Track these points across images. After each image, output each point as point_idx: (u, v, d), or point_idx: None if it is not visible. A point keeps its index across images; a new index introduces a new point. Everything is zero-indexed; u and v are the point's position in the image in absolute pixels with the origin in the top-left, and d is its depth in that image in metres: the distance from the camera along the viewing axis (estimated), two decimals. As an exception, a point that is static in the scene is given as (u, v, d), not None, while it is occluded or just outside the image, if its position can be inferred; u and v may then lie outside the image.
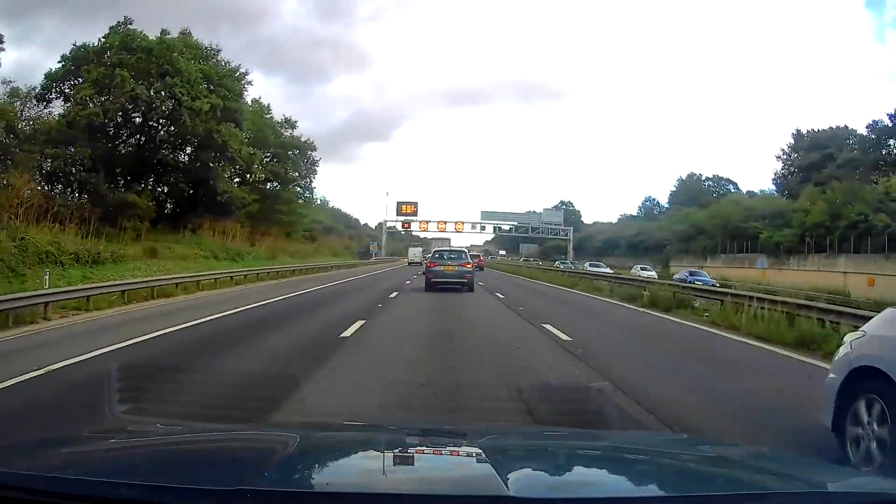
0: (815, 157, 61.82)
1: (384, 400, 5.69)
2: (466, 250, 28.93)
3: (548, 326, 11.28)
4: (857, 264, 36.60)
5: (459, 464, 2.07)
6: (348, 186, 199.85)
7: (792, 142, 68.25)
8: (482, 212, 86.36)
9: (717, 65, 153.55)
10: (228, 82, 35.11)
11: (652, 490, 1.85)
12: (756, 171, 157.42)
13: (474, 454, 2.10)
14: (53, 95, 32.55)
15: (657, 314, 15.21)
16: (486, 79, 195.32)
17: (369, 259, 71.09)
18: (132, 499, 1.51)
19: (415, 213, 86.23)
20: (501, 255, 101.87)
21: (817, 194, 47.93)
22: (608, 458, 2.25)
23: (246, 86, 37.46)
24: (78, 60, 31.65)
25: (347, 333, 10.08)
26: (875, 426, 3.64)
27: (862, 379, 3.84)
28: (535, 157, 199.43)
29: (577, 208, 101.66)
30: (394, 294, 19.09)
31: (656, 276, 35.87)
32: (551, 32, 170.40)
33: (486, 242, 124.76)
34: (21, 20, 76.61)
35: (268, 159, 46.62)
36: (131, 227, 28.86)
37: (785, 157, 69.01)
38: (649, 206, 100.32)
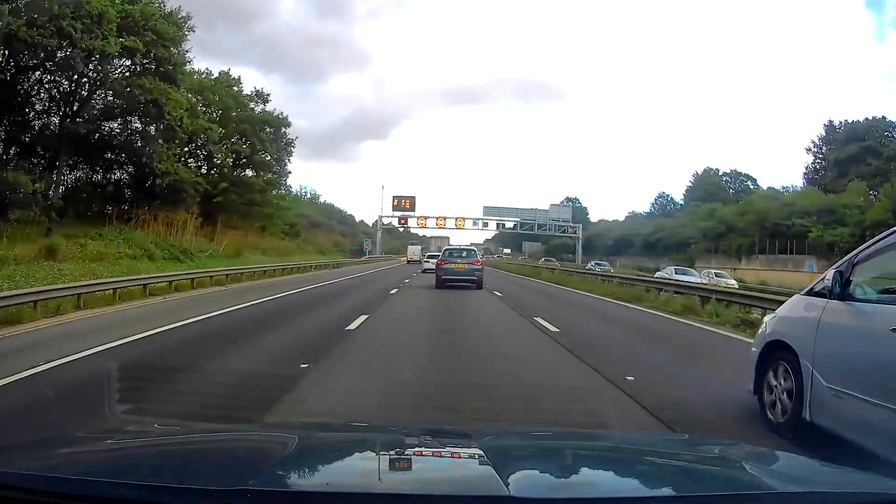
0: (854, 150, 58.82)
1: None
2: (476, 249, 29.35)
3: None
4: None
5: (459, 464, 2.07)
6: (347, 185, 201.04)
7: (823, 133, 65.32)
8: (484, 207, 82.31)
9: (728, 58, 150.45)
10: (159, 26, 26.92)
11: (652, 490, 1.83)
12: (775, 167, 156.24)
13: (474, 454, 2.11)
14: None
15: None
16: (487, 76, 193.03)
17: (362, 257, 67.29)
18: (132, 499, 1.51)
19: (412, 208, 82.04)
20: (506, 254, 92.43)
21: (864, 189, 45.41)
22: (608, 458, 2.26)
23: (188, 34, 29.80)
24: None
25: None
26: (782, 383, 4.89)
27: (773, 350, 5.12)
28: (538, 155, 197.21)
29: (583, 205, 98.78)
30: (358, 321, 12.08)
31: (735, 284, 32.15)
32: (553, 26, 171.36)
33: (487, 241, 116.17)
34: None
35: (235, 138, 41.09)
36: (24, 219, 23.43)
37: (816, 149, 65.78)
38: (663, 203, 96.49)
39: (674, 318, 14.25)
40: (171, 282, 17.96)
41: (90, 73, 24.37)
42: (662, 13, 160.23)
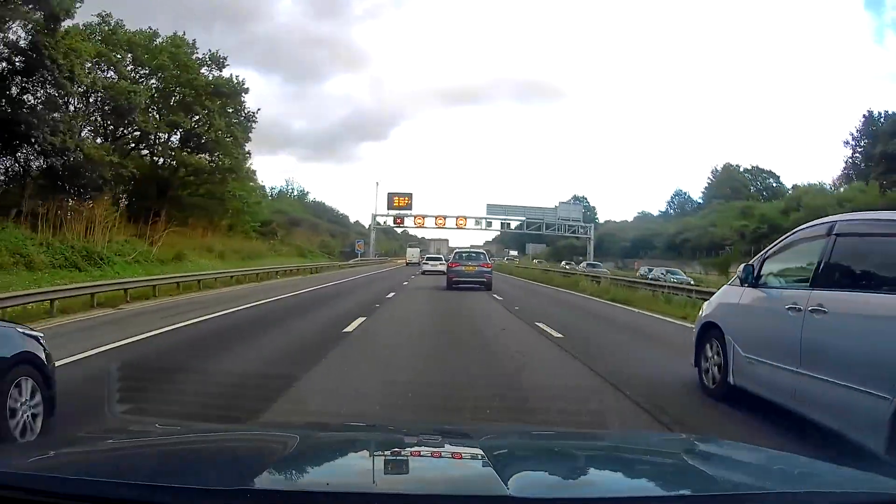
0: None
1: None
2: (485, 252, 30.30)
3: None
4: None
5: (459, 464, 2.12)
6: (346, 187, 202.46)
7: (860, 126, 60.79)
8: (488, 205, 77.35)
9: (739, 52, 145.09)
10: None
11: (652, 490, 1.88)
12: (796, 163, 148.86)
13: (474, 454, 2.15)
14: None
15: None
16: (487, 75, 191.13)
17: (353, 260, 61.83)
18: (132, 499, 1.53)
19: (408, 207, 76.29)
20: (512, 257, 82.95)
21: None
22: (608, 458, 2.31)
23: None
24: None
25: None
26: (715, 357, 6.37)
27: (708, 329, 6.58)
28: (541, 154, 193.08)
29: (591, 205, 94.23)
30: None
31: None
32: (555, 21, 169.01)
33: (487, 243, 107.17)
34: None
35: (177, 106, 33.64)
36: None
37: (854, 142, 61.12)
38: (681, 201, 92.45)
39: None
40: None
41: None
42: (668, 7, 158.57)
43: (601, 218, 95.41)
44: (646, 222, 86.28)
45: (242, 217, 41.36)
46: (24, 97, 21.83)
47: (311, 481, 1.88)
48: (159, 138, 32.94)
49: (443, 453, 2.27)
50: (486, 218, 74.59)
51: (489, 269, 24.42)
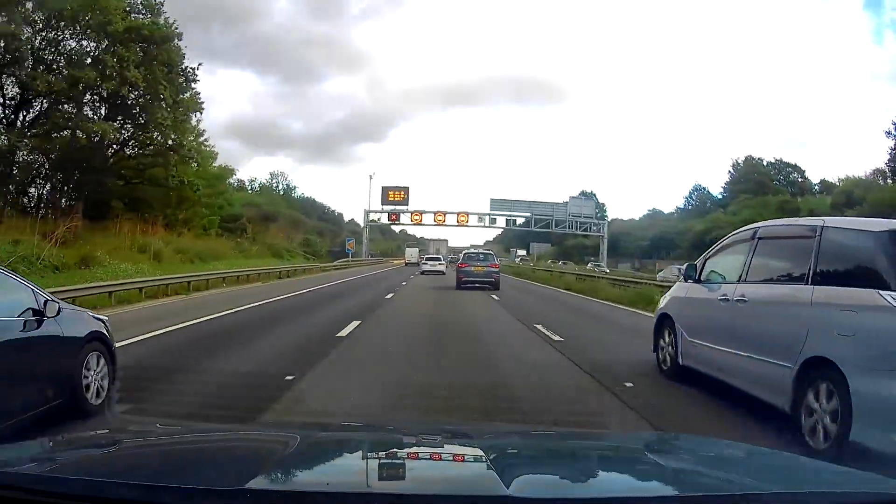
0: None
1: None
2: (493, 252, 32.14)
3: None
4: None
5: (459, 464, 2.16)
6: (345, 188, 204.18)
7: None
8: (492, 200, 71.14)
9: (752, 42, 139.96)
10: None
11: (651, 490, 1.90)
12: (816, 158, 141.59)
13: (474, 454, 2.21)
14: None
15: None
16: (489, 72, 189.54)
17: (340, 261, 53.95)
18: (132, 499, 1.56)
19: (405, 202, 70.20)
20: (523, 257, 74.68)
21: None
22: (608, 458, 2.36)
23: None
24: None
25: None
26: (668, 343, 7.60)
27: (663, 319, 7.86)
28: (544, 153, 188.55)
29: (601, 201, 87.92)
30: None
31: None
32: (555, 16, 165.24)
33: (488, 242, 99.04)
34: None
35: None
36: None
37: None
38: (701, 197, 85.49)
39: None
40: None
41: None
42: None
43: (609, 216, 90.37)
44: (663, 219, 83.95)
45: (199, 210, 33.44)
46: None
47: (310, 481, 1.92)
48: (63, 104, 24.79)
49: (443, 453, 2.31)
50: (489, 214, 67.67)
51: (497, 270, 26.01)
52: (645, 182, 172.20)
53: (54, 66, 25.83)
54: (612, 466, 2.22)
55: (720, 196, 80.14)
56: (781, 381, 5.12)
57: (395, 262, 77.47)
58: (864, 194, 48.67)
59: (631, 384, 7.09)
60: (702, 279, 7.22)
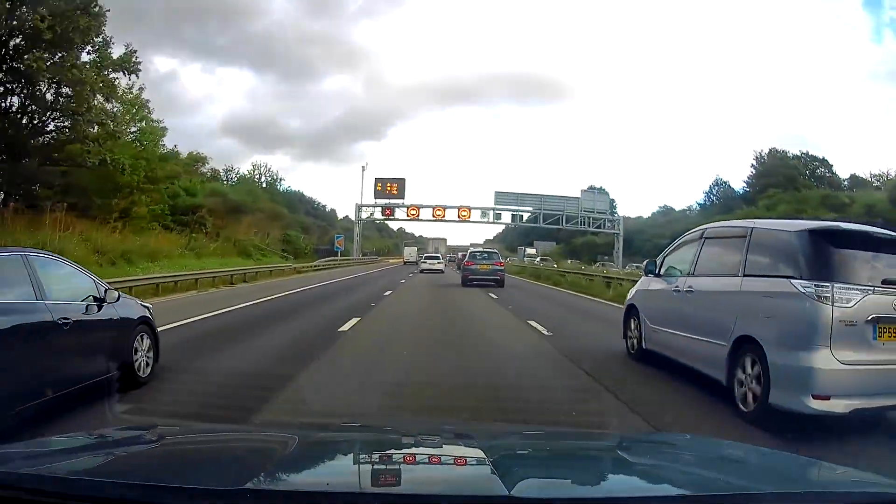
0: None
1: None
2: (497, 251, 32.23)
3: None
4: None
5: (459, 464, 2.18)
6: (342, 187, 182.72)
7: None
8: (496, 193, 64.74)
9: (765, 33, 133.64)
10: None
11: (652, 490, 1.95)
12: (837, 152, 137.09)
13: (474, 454, 2.24)
14: None
15: None
16: (490, 69, 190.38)
17: (322, 261, 47.38)
18: (132, 499, 1.57)
19: (400, 195, 63.60)
20: (532, 255, 67.25)
21: None
22: (608, 458, 2.39)
23: None
24: None
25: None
26: (634, 330, 8.83)
27: (630, 310, 9.07)
28: (547, 151, 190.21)
29: (611, 197, 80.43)
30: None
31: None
32: (556, 11, 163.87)
33: (488, 241, 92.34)
34: None
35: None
36: None
37: None
38: (725, 193, 77.29)
39: None
40: None
41: None
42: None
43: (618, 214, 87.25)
44: (680, 216, 76.51)
45: (138, 198, 26.35)
46: None
47: (310, 481, 1.95)
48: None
49: (443, 454, 2.34)
50: (493, 209, 60.12)
51: (502, 268, 27.34)
52: (653, 179, 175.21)
53: None
54: (612, 466, 2.26)
55: (743, 191, 76.51)
56: (718, 357, 6.29)
57: (391, 261, 73.85)
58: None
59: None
60: (661, 273, 8.42)
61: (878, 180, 65.74)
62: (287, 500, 1.62)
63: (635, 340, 8.77)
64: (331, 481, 1.89)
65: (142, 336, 6.70)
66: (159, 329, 7.33)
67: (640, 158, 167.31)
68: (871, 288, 5.35)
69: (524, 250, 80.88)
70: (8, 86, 22.07)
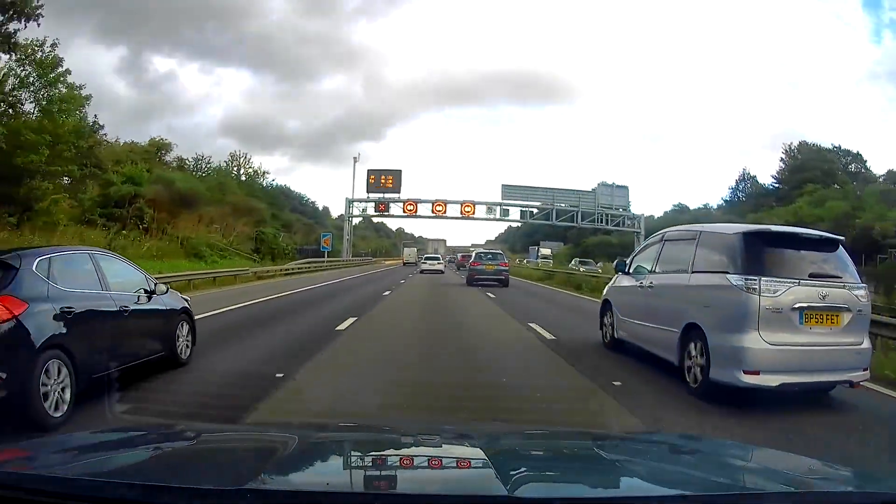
0: None
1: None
2: (502, 252, 34.70)
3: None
4: None
5: (459, 464, 2.18)
6: (341, 186, 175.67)
7: None
8: (503, 186, 57.04)
9: (775, 30, 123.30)
10: None
11: (651, 490, 1.95)
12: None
13: (474, 454, 2.25)
14: None
15: None
16: (491, 66, 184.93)
17: (294, 263, 39.32)
18: (132, 499, 1.57)
19: (395, 188, 56.02)
20: (545, 259, 59.75)
21: None
22: (608, 459, 2.39)
23: None
24: None
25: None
26: (608, 322, 10.17)
27: (605, 303, 10.55)
28: (550, 150, 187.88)
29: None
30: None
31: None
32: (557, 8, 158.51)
33: (489, 242, 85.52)
34: None
35: None
36: None
37: None
38: (755, 187, 70.30)
39: None
40: None
41: None
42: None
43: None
44: (704, 214, 69.00)
45: (40, 186, 18.96)
46: None
47: (310, 481, 1.95)
48: None
49: (442, 453, 2.37)
50: (500, 204, 52.50)
51: (507, 268, 28.36)
52: (665, 178, 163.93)
53: None
54: (612, 466, 2.28)
55: (772, 186, 71.30)
56: (672, 342, 7.37)
57: (386, 262, 69.70)
58: None
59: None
60: (629, 272, 9.57)
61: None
62: (287, 500, 1.62)
63: (609, 331, 10.14)
64: (330, 481, 1.91)
65: (182, 324, 7.92)
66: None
67: (652, 157, 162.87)
68: (797, 280, 6.41)
69: (537, 250, 72.94)
70: None
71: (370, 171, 58.90)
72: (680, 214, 76.89)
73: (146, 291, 7.10)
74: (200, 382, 6.96)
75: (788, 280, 6.27)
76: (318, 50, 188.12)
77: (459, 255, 65.13)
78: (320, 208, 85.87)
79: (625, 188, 64.09)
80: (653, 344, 8.13)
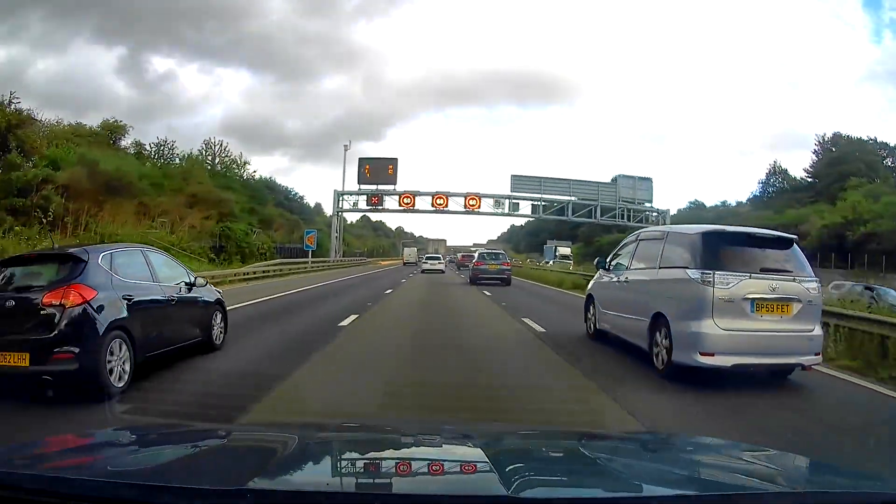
0: None
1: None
2: (504, 252, 36.70)
3: None
4: None
5: (459, 464, 2.21)
6: (336, 185, 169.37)
7: None
8: (513, 177, 51.66)
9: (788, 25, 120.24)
10: None
11: (651, 490, 1.97)
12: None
13: (474, 454, 2.27)
14: None
15: None
16: (495, 65, 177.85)
17: (259, 266, 30.63)
18: (132, 499, 1.59)
19: (391, 181, 49.70)
20: (563, 260, 52.93)
21: None
22: (608, 459, 2.43)
23: None
24: None
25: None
26: (591, 315, 11.42)
27: (588, 297, 12.00)
28: (552, 150, 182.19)
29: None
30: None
31: None
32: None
33: (491, 242, 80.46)
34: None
35: None
36: None
37: None
38: (788, 181, 64.03)
39: None
40: None
41: None
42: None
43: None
44: (729, 212, 63.11)
45: None
46: None
47: (310, 481, 1.96)
48: None
49: (442, 453, 2.38)
50: (510, 197, 45.53)
51: (509, 268, 29.46)
52: (679, 176, 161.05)
53: None
54: (612, 466, 2.33)
55: (806, 180, 65.48)
56: (643, 330, 8.46)
57: (383, 262, 64.46)
58: None
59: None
60: (609, 268, 10.76)
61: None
62: (287, 500, 1.64)
63: (592, 322, 11.36)
64: (330, 481, 1.94)
65: (216, 314, 8.95)
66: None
67: (663, 154, 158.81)
68: (748, 274, 7.35)
69: (555, 249, 65.00)
70: None
71: (363, 160, 54.49)
72: (699, 211, 73.09)
73: (187, 284, 8.20)
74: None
75: (741, 273, 7.34)
76: (317, 50, 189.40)
77: (460, 254, 64.08)
78: (312, 205, 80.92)
79: (648, 180, 59.71)
80: (628, 333, 9.43)
